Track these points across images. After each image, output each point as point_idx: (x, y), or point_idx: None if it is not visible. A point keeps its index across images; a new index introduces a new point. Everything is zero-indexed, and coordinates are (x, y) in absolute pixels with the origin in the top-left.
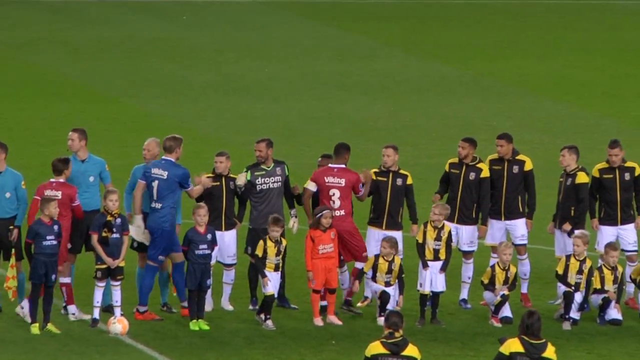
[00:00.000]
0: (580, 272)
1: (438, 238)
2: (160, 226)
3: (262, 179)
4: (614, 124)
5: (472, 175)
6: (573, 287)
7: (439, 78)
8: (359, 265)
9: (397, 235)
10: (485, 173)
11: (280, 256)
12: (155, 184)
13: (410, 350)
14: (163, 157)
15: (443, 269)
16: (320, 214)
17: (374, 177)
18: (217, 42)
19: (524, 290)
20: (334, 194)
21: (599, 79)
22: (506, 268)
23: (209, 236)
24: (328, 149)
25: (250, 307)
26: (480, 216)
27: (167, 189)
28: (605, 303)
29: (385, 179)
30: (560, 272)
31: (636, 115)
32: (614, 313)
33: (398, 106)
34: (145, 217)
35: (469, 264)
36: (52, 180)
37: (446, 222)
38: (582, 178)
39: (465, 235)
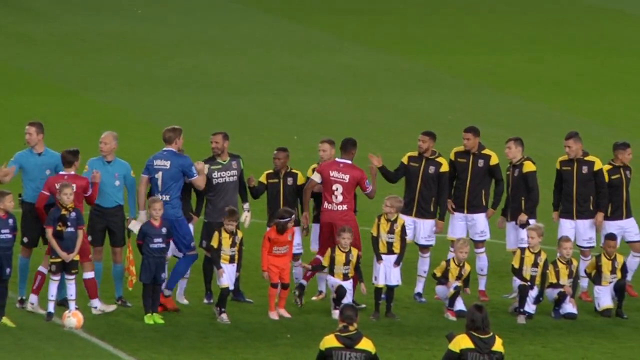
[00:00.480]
0: (535, 265)
1: (391, 231)
2: (174, 216)
3: (219, 173)
4: (568, 118)
5: (431, 169)
6: (528, 281)
7: (395, 72)
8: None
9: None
10: (445, 167)
11: (236, 248)
12: (159, 175)
13: (364, 343)
14: (164, 148)
15: (397, 262)
16: (282, 220)
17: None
18: (173, 35)
19: (482, 287)
20: (336, 189)
21: (553, 73)
22: (461, 265)
23: (164, 230)
24: (283, 142)
25: (205, 300)
26: (439, 210)
27: (172, 178)
28: (561, 298)
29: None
30: (516, 265)
31: (589, 108)
32: (568, 307)
33: (354, 100)
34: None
35: (426, 258)
36: (63, 172)
37: (401, 215)
38: (529, 167)
39: (423, 229)
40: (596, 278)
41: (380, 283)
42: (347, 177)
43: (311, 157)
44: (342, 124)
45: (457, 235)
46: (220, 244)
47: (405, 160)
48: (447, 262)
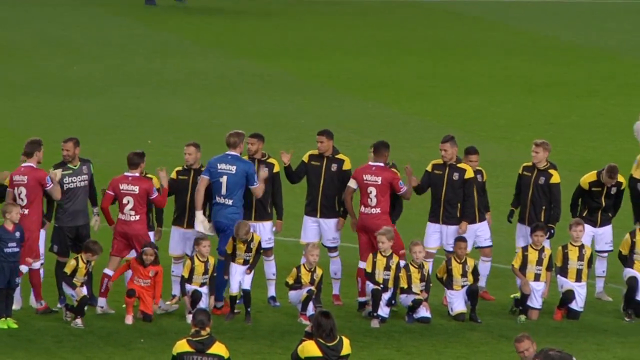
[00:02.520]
0: (387, 268)
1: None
2: (232, 222)
3: (70, 178)
4: (422, 122)
5: (265, 171)
6: (381, 285)
7: (249, 76)
8: (362, 265)
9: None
10: (277, 168)
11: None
12: (224, 179)
13: (217, 348)
14: (227, 152)
15: (250, 268)
16: (144, 250)
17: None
18: (31, 38)
19: (336, 291)
20: (371, 192)
21: (407, 77)
22: (312, 269)
23: (17, 234)
24: (139, 146)
25: (59, 305)
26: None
27: (237, 183)
28: (416, 305)
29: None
30: (369, 270)
31: (443, 112)
32: (422, 311)
33: (210, 104)
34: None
35: (270, 261)
36: (127, 174)
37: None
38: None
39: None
40: (447, 282)
41: (234, 291)
42: (379, 179)
43: (165, 161)
44: (198, 128)
45: (310, 239)
46: (75, 270)
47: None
48: (298, 268)
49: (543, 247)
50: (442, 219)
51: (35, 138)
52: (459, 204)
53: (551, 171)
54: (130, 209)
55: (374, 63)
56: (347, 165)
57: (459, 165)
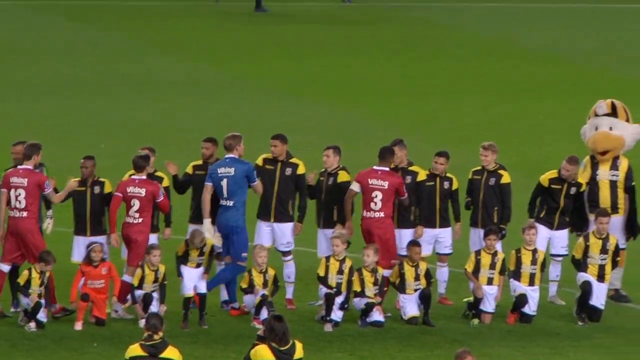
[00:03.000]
0: (340, 272)
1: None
2: (235, 223)
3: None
4: (377, 125)
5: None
6: (335, 289)
7: (203, 80)
8: (386, 272)
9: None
10: (301, 169)
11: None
12: (224, 182)
13: (170, 352)
14: (226, 156)
15: (205, 272)
16: (90, 247)
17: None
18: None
19: (289, 295)
20: (376, 196)
21: (359, 80)
22: (263, 270)
23: None
24: (90, 150)
25: (12, 309)
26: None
27: (236, 184)
28: (369, 308)
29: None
30: (322, 273)
31: (398, 114)
32: (375, 315)
33: (163, 107)
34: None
35: (222, 265)
36: (134, 177)
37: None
38: (343, 177)
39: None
40: (400, 286)
41: (188, 292)
42: (386, 184)
43: (120, 165)
44: (154, 131)
45: (264, 242)
46: (28, 282)
47: (189, 169)
48: (249, 272)
49: (496, 251)
50: (397, 223)
51: (34, 141)
52: (412, 208)
53: (501, 172)
54: (136, 211)
55: (325, 65)
56: (301, 170)
57: (410, 168)
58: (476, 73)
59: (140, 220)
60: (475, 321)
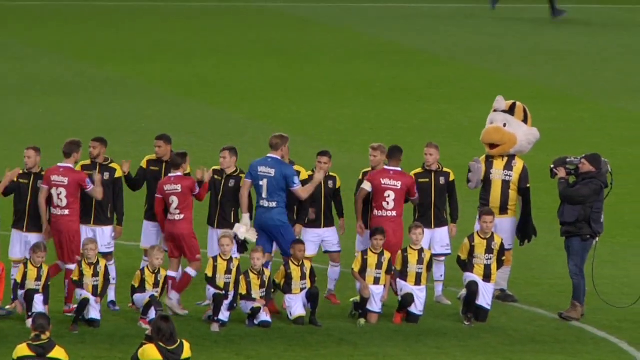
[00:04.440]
0: (229, 272)
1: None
2: (280, 221)
3: None
4: (262, 126)
5: (107, 175)
6: (222, 289)
7: (87, 79)
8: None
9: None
10: (119, 174)
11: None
12: (264, 182)
13: (57, 352)
14: (269, 155)
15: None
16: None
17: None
18: None
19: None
20: (389, 196)
21: (248, 81)
22: (156, 271)
23: None
24: None
25: None
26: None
27: (277, 186)
28: (255, 313)
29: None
30: (210, 274)
31: (283, 116)
32: (262, 315)
33: (46, 107)
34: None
35: (110, 265)
36: (171, 175)
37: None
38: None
39: (102, 237)
40: (286, 286)
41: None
42: (399, 184)
43: (5, 165)
44: (35, 132)
45: (152, 243)
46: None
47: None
48: (142, 270)
49: (383, 250)
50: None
51: (74, 139)
52: (295, 207)
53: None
54: (175, 208)
55: (210, 66)
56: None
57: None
58: (358, 75)
59: (182, 216)
60: (362, 321)
